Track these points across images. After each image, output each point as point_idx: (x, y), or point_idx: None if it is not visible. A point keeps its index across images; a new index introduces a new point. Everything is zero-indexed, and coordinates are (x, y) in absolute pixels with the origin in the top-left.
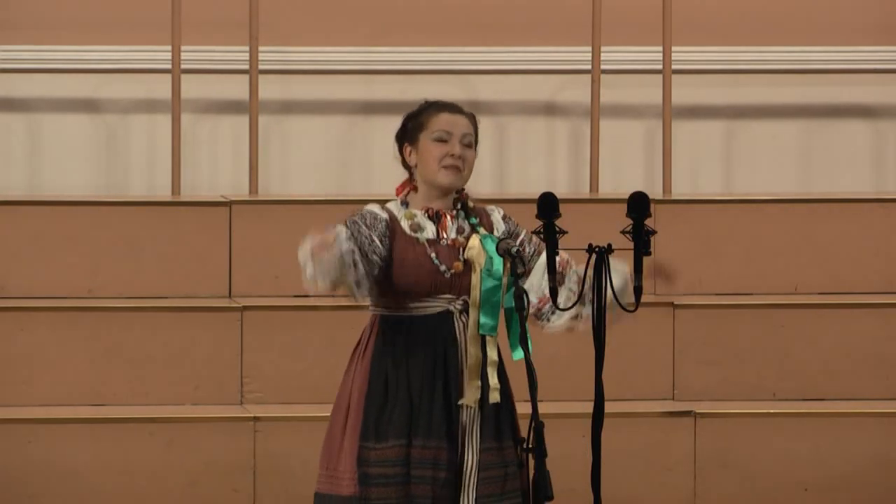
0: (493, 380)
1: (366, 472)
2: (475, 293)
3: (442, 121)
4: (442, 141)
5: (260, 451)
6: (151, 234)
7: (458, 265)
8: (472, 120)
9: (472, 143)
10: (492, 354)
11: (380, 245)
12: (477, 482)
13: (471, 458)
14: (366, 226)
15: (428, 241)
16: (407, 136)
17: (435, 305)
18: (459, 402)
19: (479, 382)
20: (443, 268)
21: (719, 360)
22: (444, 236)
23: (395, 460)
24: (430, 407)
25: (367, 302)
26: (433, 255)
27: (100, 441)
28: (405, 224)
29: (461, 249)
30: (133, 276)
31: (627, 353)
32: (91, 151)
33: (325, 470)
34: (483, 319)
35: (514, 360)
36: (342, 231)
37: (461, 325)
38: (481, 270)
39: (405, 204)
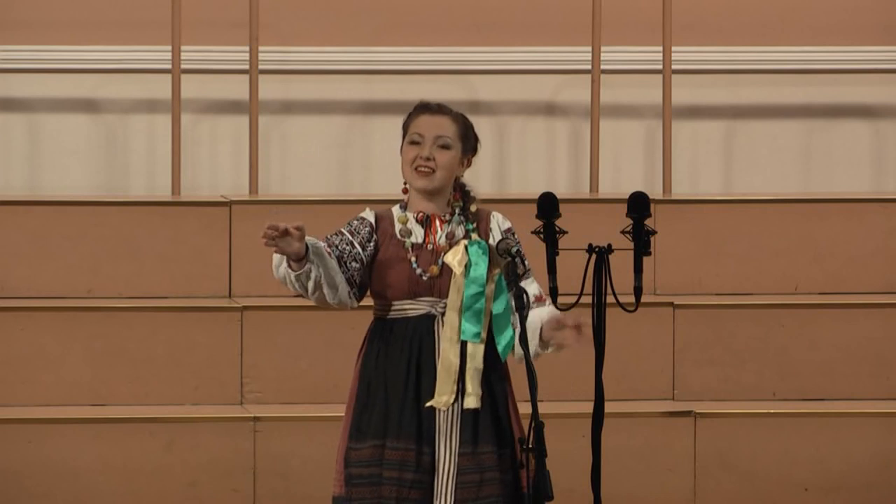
0: (471, 386)
1: (350, 472)
2: (452, 297)
3: (419, 123)
4: (415, 143)
5: (260, 451)
6: (151, 234)
7: (434, 269)
8: (457, 120)
9: (448, 144)
10: (473, 360)
11: (360, 251)
12: (455, 486)
13: (447, 462)
14: (349, 231)
15: (413, 245)
16: (402, 139)
17: (416, 308)
18: (426, 405)
19: (455, 386)
20: (419, 271)
21: (719, 360)
22: (430, 241)
23: (370, 461)
24: (402, 408)
25: (354, 306)
26: (413, 258)
27: (100, 441)
28: (397, 228)
29: (442, 254)
30: (133, 276)
31: (627, 353)
32: (91, 151)
33: (336, 473)
34: (465, 325)
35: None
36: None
37: (441, 327)
38: (461, 275)
39: (403, 207)
